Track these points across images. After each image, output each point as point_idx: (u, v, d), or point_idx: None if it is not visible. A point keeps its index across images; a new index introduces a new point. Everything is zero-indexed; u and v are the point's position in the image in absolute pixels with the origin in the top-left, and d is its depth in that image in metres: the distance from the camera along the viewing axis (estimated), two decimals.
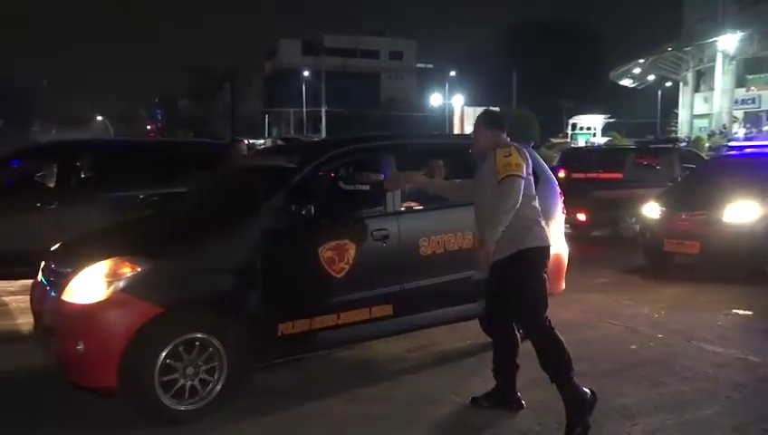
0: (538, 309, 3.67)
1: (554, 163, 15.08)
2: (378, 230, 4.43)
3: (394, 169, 4.59)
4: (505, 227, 3.57)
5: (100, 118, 65.48)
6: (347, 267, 4.25)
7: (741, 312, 6.27)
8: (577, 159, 13.82)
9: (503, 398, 3.91)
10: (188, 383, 3.73)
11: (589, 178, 12.44)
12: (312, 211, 4.14)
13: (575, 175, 12.74)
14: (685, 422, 3.76)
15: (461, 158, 4.89)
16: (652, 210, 8.55)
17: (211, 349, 3.80)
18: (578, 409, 3.54)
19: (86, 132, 60.37)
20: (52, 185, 7.18)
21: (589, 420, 3.53)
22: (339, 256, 4.23)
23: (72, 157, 7.11)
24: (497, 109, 4.61)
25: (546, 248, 3.78)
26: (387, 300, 4.43)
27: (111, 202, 6.66)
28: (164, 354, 3.64)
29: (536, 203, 3.81)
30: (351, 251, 4.28)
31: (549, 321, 3.68)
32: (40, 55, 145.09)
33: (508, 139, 3.88)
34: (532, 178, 3.80)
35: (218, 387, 3.81)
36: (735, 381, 4.38)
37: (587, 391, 3.61)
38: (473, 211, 4.27)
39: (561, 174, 13.85)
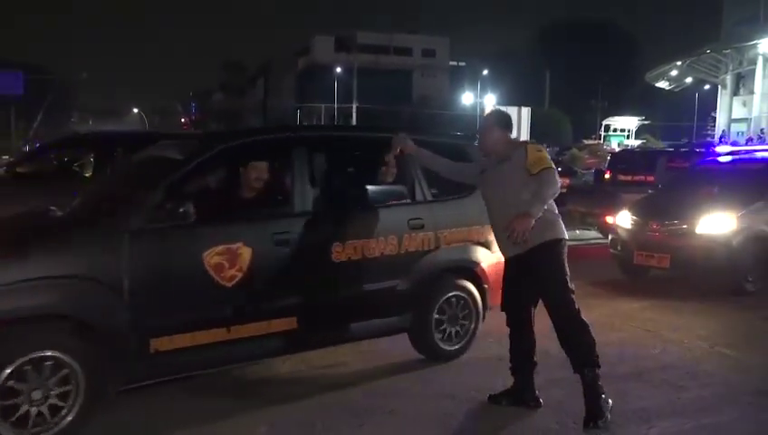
0: (570, 297, 3.72)
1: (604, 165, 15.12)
2: (280, 233, 3.99)
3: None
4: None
5: (135, 110, 66.77)
6: (239, 275, 3.79)
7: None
8: (624, 160, 13.71)
9: (521, 396, 3.95)
10: (34, 409, 3.23)
11: (635, 180, 12.34)
12: (196, 210, 3.75)
13: (621, 177, 12.71)
14: (702, 426, 3.76)
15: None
16: (624, 219, 7.90)
17: (66, 370, 3.31)
18: (601, 402, 3.59)
19: (122, 124, 61.72)
20: (88, 174, 7.42)
21: (607, 418, 3.58)
22: (229, 261, 3.76)
23: (108, 147, 7.34)
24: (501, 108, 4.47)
25: (565, 241, 3.85)
26: (290, 312, 4.00)
27: None
28: (5, 375, 3.16)
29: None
30: (246, 256, 3.82)
31: (579, 309, 3.74)
32: (81, 48, 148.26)
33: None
34: None
35: (72, 415, 3.32)
36: (758, 388, 4.35)
37: (609, 401, 3.65)
38: (397, 213, 4.49)
39: (607, 175, 13.85)
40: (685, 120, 52.53)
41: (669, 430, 3.70)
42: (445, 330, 4.71)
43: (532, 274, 3.76)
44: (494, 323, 4.90)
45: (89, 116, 69.39)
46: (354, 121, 49.48)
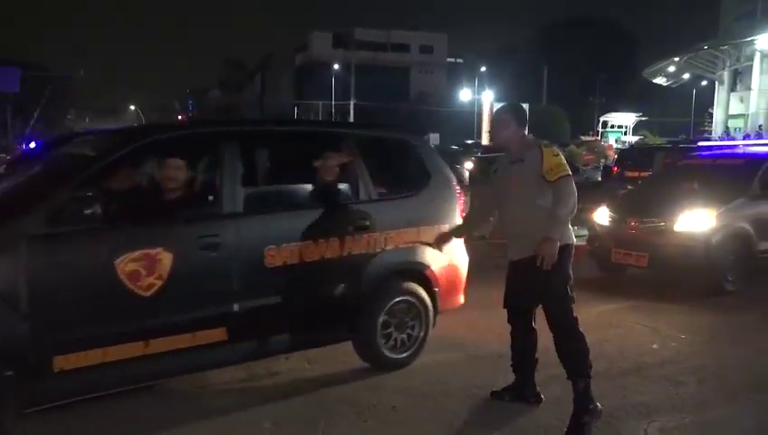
0: (569, 304, 3.70)
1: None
2: (206, 236, 3.68)
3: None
4: (539, 220, 3.58)
5: (132, 108, 66.66)
6: (159, 283, 3.48)
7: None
8: (632, 157, 13.82)
9: (522, 392, 3.98)
10: None
11: (642, 176, 12.44)
12: (108, 212, 3.47)
13: (628, 173, 12.80)
14: (702, 422, 3.80)
15: (339, 149, 4.43)
16: (602, 216, 7.68)
17: None
18: (588, 414, 3.59)
19: (119, 122, 61.58)
20: None
21: (592, 428, 3.57)
22: (147, 268, 3.43)
23: None
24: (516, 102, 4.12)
25: (572, 246, 3.77)
26: (218, 322, 3.72)
27: None
28: None
29: None
30: (166, 262, 3.50)
31: (576, 318, 3.71)
32: (78, 46, 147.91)
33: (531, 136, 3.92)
34: None
35: None
36: (756, 384, 4.40)
37: (597, 404, 3.64)
38: (339, 214, 4.27)
39: (615, 171, 13.97)
40: (682, 116, 52.59)
41: (669, 424, 3.75)
42: (391, 337, 4.45)
43: (535, 277, 3.65)
44: (495, 321, 4.94)
45: (85, 114, 69.22)
46: (352, 118, 49.45)
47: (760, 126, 34.69)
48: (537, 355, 3.98)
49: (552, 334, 3.75)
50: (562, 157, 3.69)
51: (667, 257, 6.84)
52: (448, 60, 73.74)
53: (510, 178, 3.80)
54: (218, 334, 3.73)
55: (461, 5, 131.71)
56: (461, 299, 4.94)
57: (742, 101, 40.68)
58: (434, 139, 42.13)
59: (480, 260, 8.92)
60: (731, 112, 42.26)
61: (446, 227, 4.58)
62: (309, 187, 4.41)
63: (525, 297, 3.83)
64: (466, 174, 17.81)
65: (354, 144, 4.56)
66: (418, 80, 70.30)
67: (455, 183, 4.90)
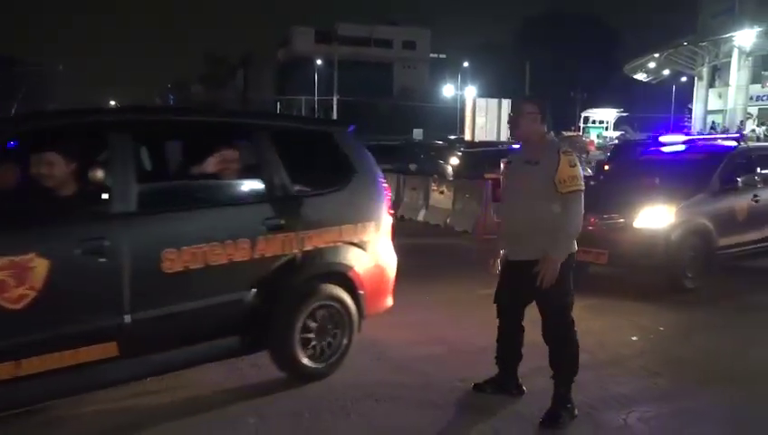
0: (567, 310, 3.69)
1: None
2: (89, 240, 3.26)
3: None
4: (544, 225, 3.54)
5: (112, 103, 65.93)
6: (32, 294, 3.08)
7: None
8: (625, 152, 13.88)
9: (504, 384, 4.02)
10: None
11: None
12: None
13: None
14: (679, 411, 3.88)
15: (253, 142, 4.15)
16: None
17: None
18: (563, 408, 3.64)
19: None
20: None
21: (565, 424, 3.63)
22: (16, 278, 3.03)
23: None
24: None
25: (573, 254, 3.69)
26: (107, 337, 3.34)
27: None
28: None
29: None
30: (41, 270, 3.09)
31: (571, 325, 3.71)
32: (55, 41, 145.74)
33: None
34: None
35: None
36: (730, 375, 4.49)
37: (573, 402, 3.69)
38: (250, 212, 3.94)
39: (606, 167, 14.03)
40: (662, 111, 53.17)
41: (647, 414, 3.82)
42: (311, 345, 4.10)
43: (532, 285, 3.60)
44: (478, 314, 4.99)
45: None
46: (335, 114, 49.40)
47: (741, 122, 35.18)
48: (522, 351, 3.99)
49: (543, 340, 3.76)
50: (579, 168, 3.57)
51: (626, 255, 6.67)
52: (431, 55, 73.89)
53: (521, 177, 3.72)
54: (108, 350, 3.34)
55: (444, 0, 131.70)
56: (389, 301, 4.63)
57: (720, 96, 41.25)
58: (417, 134, 42.31)
59: (465, 254, 9.07)
60: (710, 108, 42.83)
61: (371, 226, 4.34)
62: (216, 183, 4.05)
63: (525, 295, 3.78)
64: (449, 169, 17.91)
65: (268, 137, 4.16)
66: (401, 75, 70.40)
67: (382, 178, 4.61)
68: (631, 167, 8.99)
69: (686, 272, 6.74)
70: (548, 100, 3.85)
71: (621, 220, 6.80)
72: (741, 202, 7.27)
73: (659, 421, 3.76)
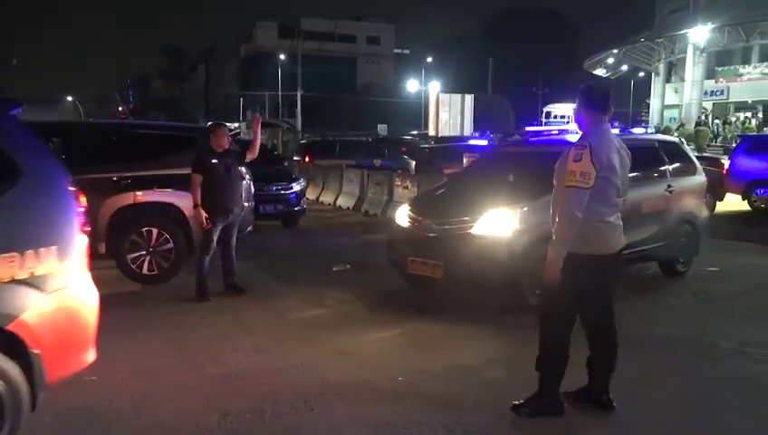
0: (560, 318, 3.62)
1: None
2: None
3: None
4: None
5: (69, 99, 64.21)
6: None
7: (696, 295, 6.56)
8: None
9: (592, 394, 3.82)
10: None
11: None
12: None
13: None
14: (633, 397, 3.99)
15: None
16: (402, 216, 6.44)
17: None
18: (548, 402, 3.65)
19: (55, 114, 59.25)
20: None
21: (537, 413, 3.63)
22: None
23: (44, 138, 7.10)
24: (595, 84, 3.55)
25: (600, 257, 3.52)
26: None
27: (84, 184, 6.68)
28: None
29: (602, 208, 3.49)
30: None
31: (568, 329, 3.64)
32: (8, 33, 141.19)
33: (608, 124, 3.66)
34: (606, 183, 3.46)
35: None
36: (684, 360, 4.64)
37: (563, 402, 3.68)
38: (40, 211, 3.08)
39: None
40: (621, 106, 54.26)
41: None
42: None
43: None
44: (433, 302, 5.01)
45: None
46: (299, 110, 49.07)
47: (705, 116, 36.11)
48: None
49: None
50: (588, 163, 3.34)
51: (463, 267, 5.66)
52: (395, 51, 73.92)
53: (556, 171, 3.65)
54: None
55: None
56: (88, 356, 3.31)
57: (676, 91, 42.32)
58: (382, 129, 42.32)
59: None
60: (666, 103, 43.90)
61: (51, 252, 3.02)
62: None
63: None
64: (413, 164, 18.02)
65: None
66: (365, 71, 70.28)
67: (67, 181, 3.29)
68: (489, 163, 7.95)
69: (534, 288, 5.28)
70: (588, 89, 3.75)
71: (460, 226, 5.78)
72: None
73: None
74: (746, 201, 13.52)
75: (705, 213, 7.63)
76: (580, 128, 3.65)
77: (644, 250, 6.49)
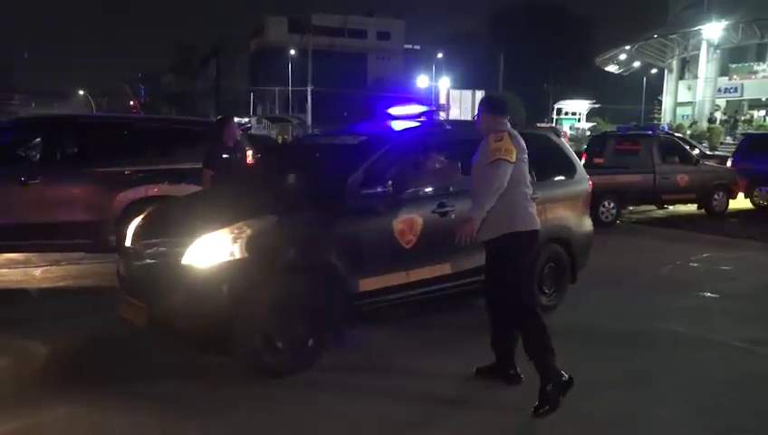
0: (521, 292, 3.83)
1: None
2: None
3: None
4: (492, 207, 3.76)
5: (81, 92, 64.67)
6: None
7: (708, 294, 6.50)
8: (602, 144, 14.02)
9: (500, 370, 4.06)
10: None
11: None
12: None
13: (596, 160, 13.00)
14: (643, 395, 3.97)
15: None
16: (129, 237, 4.60)
17: None
18: (550, 388, 3.67)
19: (67, 107, 59.62)
20: (36, 160, 7.21)
21: (558, 400, 3.66)
22: None
23: (57, 131, 7.15)
24: (498, 94, 3.88)
25: (533, 232, 3.90)
26: None
27: (96, 177, 6.73)
28: None
29: (525, 188, 3.90)
30: None
31: (534, 305, 3.87)
32: (21, 26, 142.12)
33: (508, 124, 4.00)
34: (524, 164, 3.89)
35: None
36: (694, 359, 4.61)
37: (565, 374, 3.73)
38: None
39: (583, 160, 14.15)
40: (634, 103, 53.97)
41: (615, 398, 3.89)
42: None
43: (490, 263, 3.93)
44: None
45: (31, 98, 66.91)
46: (309, 105, 49.11)
47: (712, 113, 35.79)
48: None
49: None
50: (508, 142, 3.79)
51: (168, 313, 3.97)
52: (405, 46, 73.77)
53: (475, 163, 3.98)
54: None
55: None
56: None
57: (689, 89, 42.01)
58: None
59: None
60: (679, 100, 43.59)
61: None
62: None
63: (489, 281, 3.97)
64: None
65: None
66: (376, 66, 70.20)
67: None
68: (279, 159, 6.42)
69: (276, 339, 4.04)
70: (492, 97, 4.25)
71: (170, 252, 4.08)
72: (408, 217, 4.61)
73: (625, 406, 3.83)
74: (748, 198, 13.66)
75: (586, 228, 5.98)
76: (484, 129, 3.99)
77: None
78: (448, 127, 5.55)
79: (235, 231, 4.00)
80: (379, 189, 4.43)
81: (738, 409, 3.83)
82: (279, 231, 4.16)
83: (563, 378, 3.73)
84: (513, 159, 3.78)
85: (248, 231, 4.01)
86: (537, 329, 3.77)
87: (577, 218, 5.90)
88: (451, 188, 4.78)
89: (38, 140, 7.18)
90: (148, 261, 4.25)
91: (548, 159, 5.81)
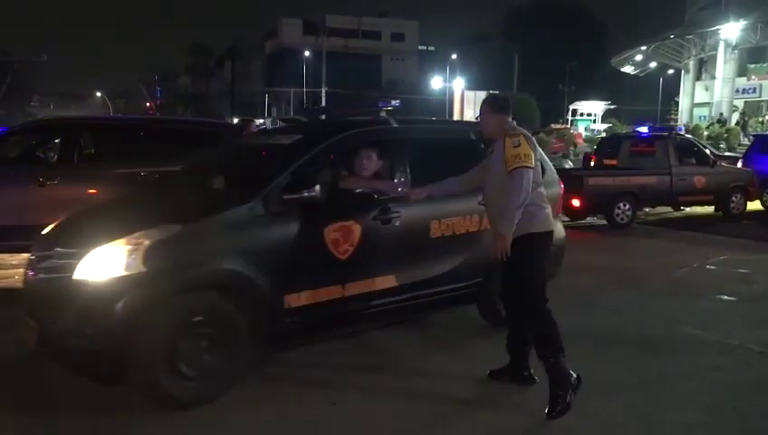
0: (536, 294, 3.79)
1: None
2: None
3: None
4: (499, 212, 3.71)
5: (98, 94, 65.41)
6: None
7: (725, 297, 6.43)
8: (612, 145, 13.96)
9: (514, 372, 4.04)
10: None
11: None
12: None
13: (606, 161, 12.90)
14: (659, 398, 3.93)
15: None
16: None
17: None
18: (562, 389, 3.66)
19: (85, 108, 60.32)
20: (54, 160, 7.30)
21: (570, 401, 3.65)
22: None
23: (74, 133, 7.23)
24: (499, 93, 3.73)
25: (549, 233, 3.87)
26: None
27: (114, 178, 6.80)
28: None
29: (542, 189, 3.86)
30: None
31: (547, 306, 3.79)
32: (40, 29, 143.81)
33: (514, 123, 3.92)
34: (539, 165, 3.84)
35: None
36: (713, 362, 4.56)
37: (573, 374, 3.73)
38: None
39: (593, 161, 14.10)
40: (650, 104, 53.51)
41: (630, 400, 3.86)
42: None
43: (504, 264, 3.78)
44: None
45: (50, 100, 67.75)
46: (323, 106, 49.25)
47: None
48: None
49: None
50: (525, 146, 3.68)
51: (60, 334, 3.56)
52: (420, 47, 73.76)
53: (488, 163, 3.94)
54: None
55: None
56: None
57: (707, 89, 41.60)
58: None
59: None
60: (696, 101, 43.19)
61: None
62: None
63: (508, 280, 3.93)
64: None
65: None
66: (390, 67, 70.28)
67: None
68: (214, 161, 5.49)
69: (180, 364, 3.56)
70: (496, 96, 4.22)
71: (63, 265, 3.69)
72: (343, 225, 4.14)
73: (641, 409, 3.80)
74: (758, 200, 13.51)
75: (556, 235, 4.67)
76: (488, 130, 3.95)
77: (441, 292, 4.64)
78: (396, 125, 4.94)
79: (133, 242, 3.55)
80: (306, 194, 3.89)
81: (756, 413, 3.79)
82: (183, 241, 3.64)
83: (572, 378, 3.72)
84: (533, 165, 3.70)
85: (146, 242, 3.54)
86: (551, 330, 3.76)
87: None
88: (400, 190, 4.39)
89: (57, 141, 7.27)
90: (42, 275, 3.81)
91: None
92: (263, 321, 3.83)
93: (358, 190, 4.42)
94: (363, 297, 4.25)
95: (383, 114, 4.77)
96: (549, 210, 3.90)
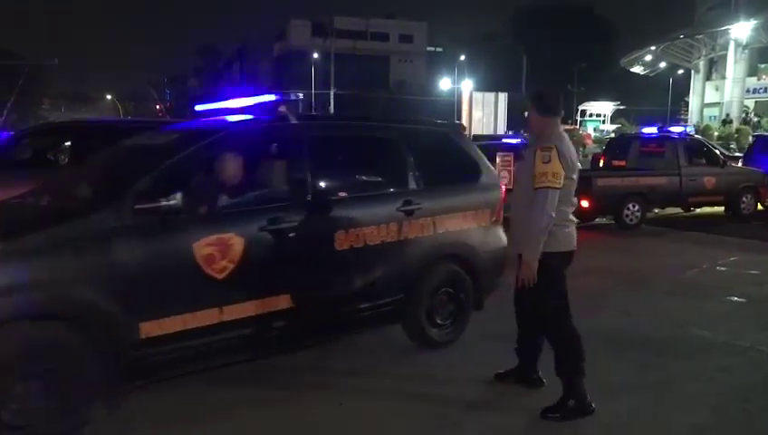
0: (557, 311, 3.69)
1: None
2: None
3: None
4: (523, 225, 3.57)
5: (109, 97, 65.82)
6: None
7: (735, 299, 6.40)
8: (621, 146, 13.92)
9: (523, 375, 4.02)
10: None
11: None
12: None
13: (615, 162, 12.87)
14: (667, 399, 3.93)
15: None
16: None
17: None
18: (573, 405, 3.61)
19: (95, 111, 60.76)
20: (65, 163, 7.37)
21: (571, 417, 3.59)
22: None
23: (85, 135, 7.29)
24: (545, 88, 3.37)
25: (568, 253, 3.67)
26: None
27: None
28: None
29: (567, 207, 3.62)
30: None
31: (570, 322, 3.69)
32: (51, 33, 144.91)
33: (562, 128, 3.69)
34: (571, 182, 3.58)
35: None
36: (721, 364, 4.53)
37: (591, 404, 3.63)
38: None
39: (602, 162, 14.09)
40: (659, 105, 53.24)
41: (634, 403, 3.86)
42: None
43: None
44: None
45: (61, 103, 68.26)
46: (332, 108, 49.32)
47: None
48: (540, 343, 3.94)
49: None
50: (556, 163, 3.45)
51: None
52: (428, 49, 73.73)
53: (519, 168, 3.79)
54: None
55: None
56: None
57: (717, 89, 41.37)
58: None
59: None
60: (706, 101, 42.96)
61: None
62: None
63: (524, 291, 3.74)
64: None
65: None
66: (398, 69, 70.26)
67: None
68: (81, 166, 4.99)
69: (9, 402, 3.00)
70: (542, 90, 3.74)
71: None
72: (220, 238, 3.54)
73: (647, 411, 3.80)
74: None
75: (495, 244, 4.91)
76: (532, 130, 3.72)
77: (353, 311, 4.19)
78: (295, 122, 4.24)
79: None
80: (163, 203, 3.29)
81: (763, 414, 3.78)
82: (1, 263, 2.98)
83: (587, 402, 3.63)
84: (561, 185, 3.47)
85: None
86: (574, 350, 3.67)
87: (481, 232, 4.83)
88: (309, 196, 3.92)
89: (68, 144, 7.34)
90: None
91: (443, 162, 4.87)
92: (109, 355, 3.19)
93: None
94: (249, 322, 3.64)
95: (282, 109, 4.21)
96: (571, 229, 3.69)
